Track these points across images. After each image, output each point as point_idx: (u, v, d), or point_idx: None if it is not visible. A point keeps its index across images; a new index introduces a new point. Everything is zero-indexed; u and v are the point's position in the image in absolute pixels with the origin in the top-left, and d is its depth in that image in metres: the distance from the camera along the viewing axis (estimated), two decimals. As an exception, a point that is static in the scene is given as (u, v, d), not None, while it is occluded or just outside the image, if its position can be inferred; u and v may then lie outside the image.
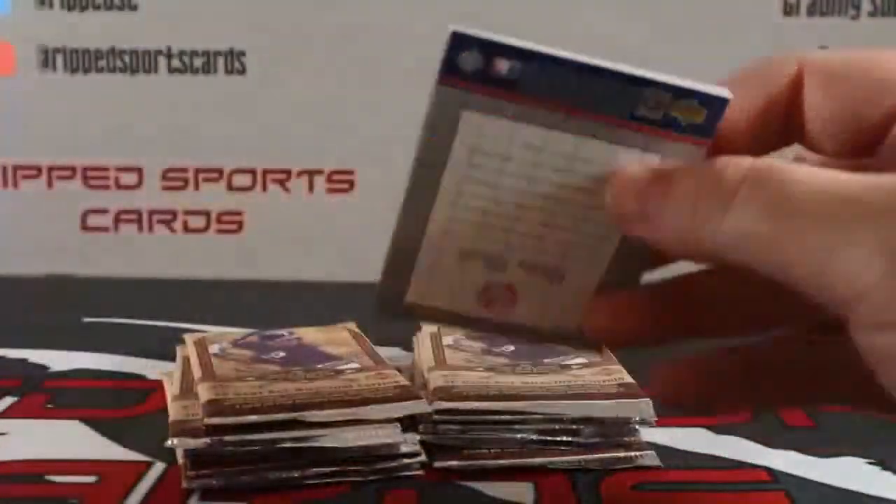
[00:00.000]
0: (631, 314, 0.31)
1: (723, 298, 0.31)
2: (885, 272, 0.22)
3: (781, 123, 0.30)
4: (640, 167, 0.28)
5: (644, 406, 0.44)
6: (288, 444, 0.40)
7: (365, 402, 0.42)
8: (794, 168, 0.25)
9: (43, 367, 0.57)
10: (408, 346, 0.54)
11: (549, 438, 0.43)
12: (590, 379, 0.46)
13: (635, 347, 0.32)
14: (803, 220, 0.24)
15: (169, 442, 0.41)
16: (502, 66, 0.27)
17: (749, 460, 0.44)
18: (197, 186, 0.86)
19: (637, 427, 0.44)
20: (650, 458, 0.44)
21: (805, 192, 0.24)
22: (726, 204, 0.25)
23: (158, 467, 0.42)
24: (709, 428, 0.48)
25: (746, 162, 0.25)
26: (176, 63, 0.86)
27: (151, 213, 0.87)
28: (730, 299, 0.31)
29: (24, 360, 0.59)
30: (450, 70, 0.27)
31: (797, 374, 0.32)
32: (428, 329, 0.52)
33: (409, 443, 0.42)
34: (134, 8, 0.85)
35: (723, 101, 0.28)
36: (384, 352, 0.50)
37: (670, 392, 0.33)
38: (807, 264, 0.23)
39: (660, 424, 0.45)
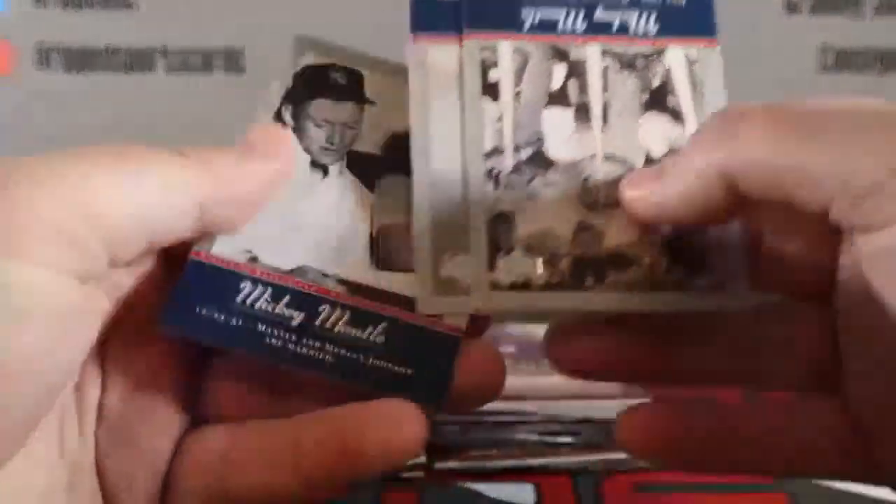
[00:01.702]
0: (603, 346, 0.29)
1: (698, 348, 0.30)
2: None
3: None
4: None
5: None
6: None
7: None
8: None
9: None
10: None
11: (549, 439, 0.43)
12: (590, 379, 0.46)
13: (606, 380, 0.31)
14: (822, 120, 0.24)
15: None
16: None
17: (751, 461, 0.44)
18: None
19: (638, 428, 0.44)
20: (651, 459, 0.44)
21: (817, 107, 0.25)
22: (736, 125, 0.25)
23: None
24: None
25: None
26: (174, 62, 0.86)
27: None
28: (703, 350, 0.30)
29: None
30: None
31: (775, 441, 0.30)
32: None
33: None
34: (131, 6, 0.85)
35: None
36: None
37: (640, 442, 0.30)
38: (829, 157, 0.24)
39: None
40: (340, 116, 0.30)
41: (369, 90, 0.30)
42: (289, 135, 0.29)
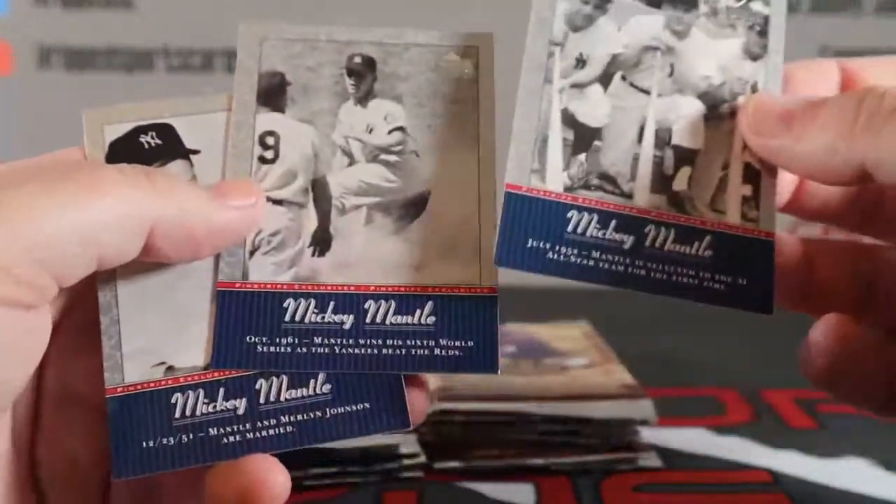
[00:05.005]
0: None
1: None
2: None
3: None
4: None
5: (645, 407, 0.44)
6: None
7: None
8: None
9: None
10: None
11: (549, 439, 0.43)
12: (591, 380, 0.46)
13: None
14: None
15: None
16: None
17: (751, 462, 0.44)
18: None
19: (638, 428, 0.44)
20: (651, 459, 0.43)
21: None
22: (885, 120, 0.25)
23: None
24: (711, 428, 0.47)
25: None
26: (174, 62, 0.86)
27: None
28: None
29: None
30: None
31: None
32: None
33: (409, 443, 0.42)
34: (131, 6, 0.85)
35: None
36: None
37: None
38: None
39: (661, 425, 0.44)
40: None
41: (188, 138, 0.28)
42: (261, 190, 0.28)
